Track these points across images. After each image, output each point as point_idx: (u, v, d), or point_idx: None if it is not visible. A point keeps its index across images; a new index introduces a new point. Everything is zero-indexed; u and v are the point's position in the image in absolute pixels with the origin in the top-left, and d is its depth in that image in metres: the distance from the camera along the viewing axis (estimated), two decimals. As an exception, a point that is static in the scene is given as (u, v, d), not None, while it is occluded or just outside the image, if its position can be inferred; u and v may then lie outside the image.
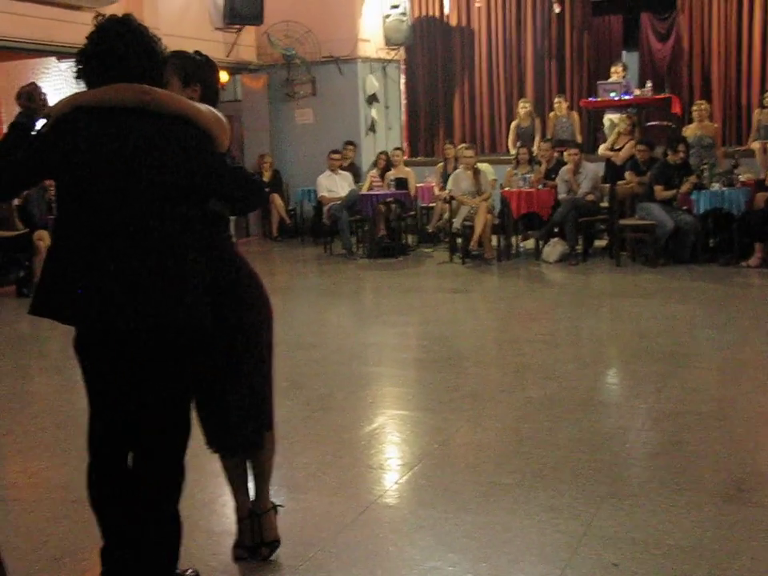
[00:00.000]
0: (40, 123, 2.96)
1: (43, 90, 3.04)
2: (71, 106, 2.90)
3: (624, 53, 16.97)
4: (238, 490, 3.50)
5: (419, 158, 15.59)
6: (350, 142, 14.21)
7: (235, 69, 15.01)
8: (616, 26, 16.94)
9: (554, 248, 11.06)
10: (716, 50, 14.06)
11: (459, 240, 11.57)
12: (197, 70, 3.25)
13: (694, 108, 11.93)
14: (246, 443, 3.35)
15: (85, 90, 2.98)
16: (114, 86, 2.89)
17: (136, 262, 2.83)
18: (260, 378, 3.31)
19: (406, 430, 5.10)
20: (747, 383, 5.81)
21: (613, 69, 14.15)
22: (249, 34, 14.79)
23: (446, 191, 11.66)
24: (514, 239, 11.69)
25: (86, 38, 2.97)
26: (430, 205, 13.17)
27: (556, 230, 11.28)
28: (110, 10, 11.61)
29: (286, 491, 4.14)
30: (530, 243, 11.83)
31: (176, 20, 13.26)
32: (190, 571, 3.31)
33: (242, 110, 15.49)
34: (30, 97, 2.98)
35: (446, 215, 11.79)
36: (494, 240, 11.39)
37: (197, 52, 3.36)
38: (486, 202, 11.22)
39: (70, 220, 2.92)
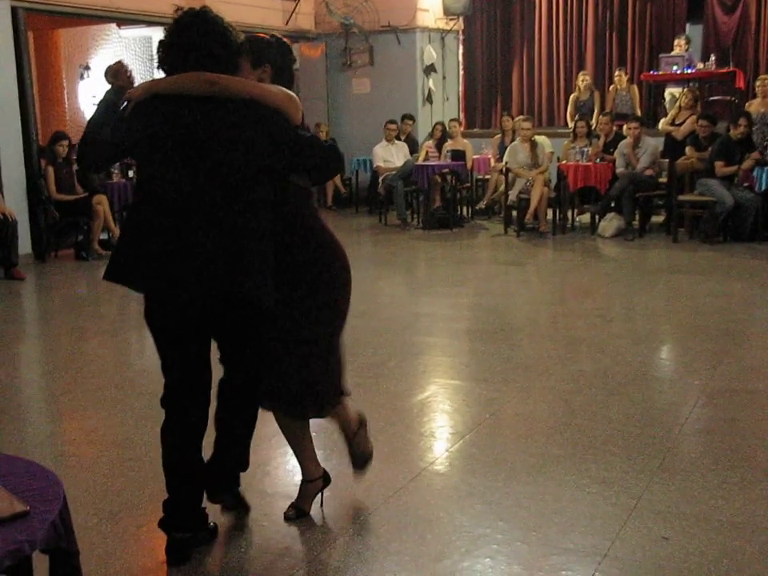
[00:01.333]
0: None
1: (129, 67, 3.24)
2: (149, 92, 3.11)
3: (688, 25, 16.62)
4: (305, 452, 3.59)
5: (476, 129, 15.49)
6: (408, 116, 14.10)
7: (293, 37, 14.99)
8: (680, -2, 16.63)
9: (610, 223, 10.95)
10: (784, 23, 13.75)
11: (514, 213, 11.51)
12: (266, 52, 3.33)
13: (758, 83, 11.69)
14: (316, 400, 3.45)
15: (162, 76, 3.21)
16: (186, 74, 3.08)
17: (203, 240, 3.03)
18: (331, 348, 3.43)
19: (457, 399, 5.12)
20: (805, 363, 5.74)
21: (676, 41, 13.90)
22: (307, 2, 14.77)
23: (503, 163, 11.59)
24: (569, 213, 11.60)
25: (166, 29, 3.18)
26: (486, 177, 13.11)
27: (613, 204, 11.16)
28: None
29: (337, 456, 4.18)
30: (585, 217, 11.72)
31: (235, -13, 13.30)
32: (211, 524, 3.45)
33: (299, 79, 15.50)
34: (116, 74, 3.19)
35: (502, 187, 11.72)
36: (550, 213, 11.31)
37: (272, 35, 3.44)
38: (543, 174, 11.14)
39: (146, 196, 3.15)
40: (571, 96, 13.95)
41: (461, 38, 15.65)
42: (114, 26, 12.66)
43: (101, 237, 10.51)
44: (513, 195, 11.29)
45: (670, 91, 13.75)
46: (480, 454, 4.20)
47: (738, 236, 10.25)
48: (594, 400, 4.93)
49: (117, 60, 3.25)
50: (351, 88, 15.17)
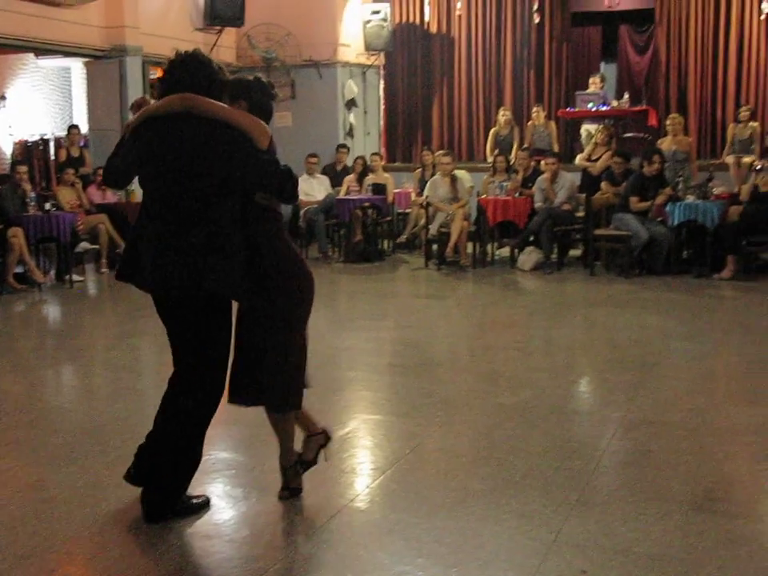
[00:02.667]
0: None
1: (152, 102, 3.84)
2: (143, 116, 3.66)
3: (602, 64, 17.07)
4: (282, 438, 4.04)
5: (397, 163, 15.61)
6: (342, 145, 14.16)
7: (214, 70, 14.96)
8: (595, 38, 17.04)
9: (529, 256, 11.11)
10: (692, 65, 14.21)
11: (435, 246, 11.60)
12: (242, 90, 3.84)
13: (668, 122, 12.04)
14: (276, 401, 3.94)
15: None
16: (168, 96, 3.63)
17: (186, 242, 3.57)
18: (293, 348, 3.90)
19: (378, 434, 5.11)
20: (717, 394, 5.87)
21: (591, 80, 14.27)
22: (229, 35, 14.76)
23: (423, 197, 11.69)
24: (489, 247, 11.74)
25: (163, 68, 3.80)
26: (407, 211, 13.20)
27: (531, 238, 11.34)
28: (90, 9, 11.55)
29: (257, 494, 4.14)
30: (505, 251, 11.88)
31: (156, 20, 13.24)
32: (203, 499, 3.94)
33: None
34: (141, 107, 3.79)
35: (423, 221, 11.82)
36: (470, 247, 11.43)
37: (255, 76, 3.97)
38: (463, 208, 11.27)
39: (145, 206, 3.72)
40: (491, 131, 14.15)
41: (382, 73, 15.81)
42: (31, 55, 12.49)
43: (16, 270, 10.26)
44: (433, 229, 11.39)
45: (586, 127, 14.06)
46: (401, 490, 4.19)
47: (652, 269, 10.50)
48: (514, 434, 4.96)
49: (141, 95, 3.87)
50: (273, 121, 15.05)
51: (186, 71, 3.67)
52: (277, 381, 3.88)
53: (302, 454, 4.12)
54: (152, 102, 3.77)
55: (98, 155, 12.46)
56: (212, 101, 3.62)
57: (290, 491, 4.04)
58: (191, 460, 3.85)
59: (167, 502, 3.80)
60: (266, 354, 3.84)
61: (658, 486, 4.19)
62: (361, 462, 4.64)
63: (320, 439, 4.16)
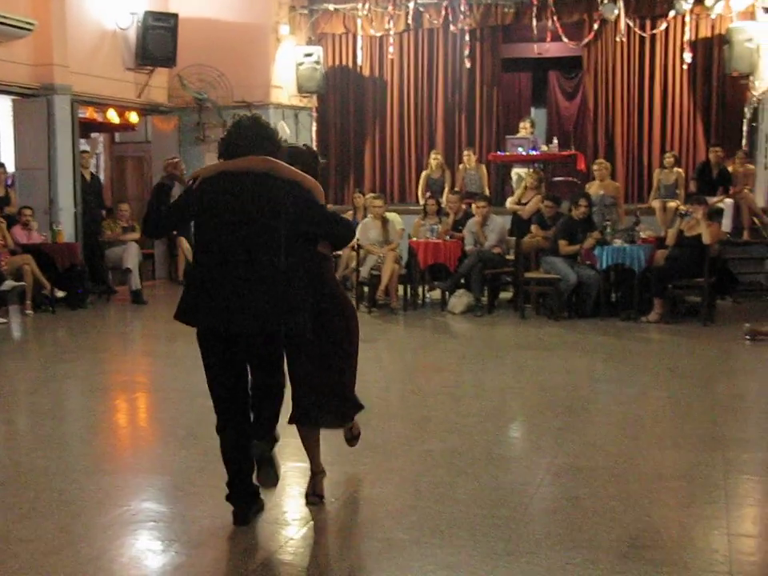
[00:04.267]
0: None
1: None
2: (216, 171, 4.17)
3: (533, 109, 17.38)
4: (316, 452, 4.65)
5: (329, 205, 15.49)
6: None
7: (146, 110, 14.86)
8: (525, 83, 17.36)
9: (459, 299, 11.14)
10: (619, 111, 14.48)
11: (366, 289, 11.57)
12: (298, 156, 4.49)
13: (595, 167, 12.25)
14: (335, 418, 4.69)
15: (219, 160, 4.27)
16: (248, 157, 4.12)
17: (256, 284, 4.00)
18: (348, 370, 4.65)
19: (303, 483, 4.98)
20: (644, 438, 5.89)
21: (521, 124, 14.46)
22: (161, 75, 14.69)
23: (355, 240, 11.66)
24: (420, 289, 11.75)
25: (226, 128, 4.31)
26: (338, 253, 13.13)
27: (462, 281, 11.38)
28: (18, 46, 11.34)
29: (178, 546, 4.02)
30: (436, 294, 11.89)
31: (86, 58, 13.11)
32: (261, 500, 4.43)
33: (151, 152, 15.34)
34: (176, 166, 4.64)
35: (354, 264, 11.79)
36: (401, 290, 11.42)
37: (305, 145, 4.85)
38: (394, 251, 11.27)
39: (205, 251, 4.12)
40: (423, 174, 14.23)
41: (314, 114, 15.82)
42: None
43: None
44: (364, 272, 11.37)
45: (517, 171, 14.24)
46: (325, 541, 4.10)
47: (581, 312, 10.59)
48: (442, 481, 4.91)
49: (174, 155, 4.29)
50: (204, 162, 15.03)
51: (258, 136, 4.17)
52: (341, 399, 4.63)
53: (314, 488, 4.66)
54: (183, 165, 4.73)
55: (24, 195, 12.24)
56: (287, 165, 4.18)
57: (319, 497, 4.57)
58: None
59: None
60: (331, 378, 4.53)
61: (585, 533, 4.16)
62: (284, 512, 4.53)
63: (323, 477, 4.73)
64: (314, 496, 4.57)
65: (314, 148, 4.71)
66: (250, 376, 4.25)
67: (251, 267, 3.99)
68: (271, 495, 4.70)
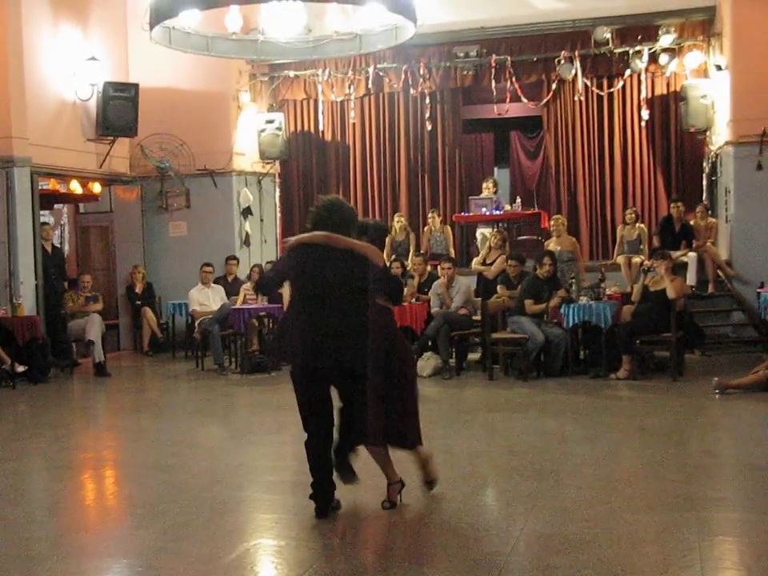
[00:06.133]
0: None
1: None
2: (298, 241, 5.39)
3: (495, 169, 17.48)
4: (387, 466, 5.56)
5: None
6: (232, 257, 14.02)
7: (108, 180, 14.77)
8: (487, 143, 17.47)
9: (427, 362, 11.03)
10: (581, 168, 14.60)
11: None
12: (364, 229, 5.59)
13: (552, 223, 12.31)
14: (400, 437, 5.58)
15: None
16: (316, 233, 5.32)
17: (331, 329, 5.22)
18: (408, 397, 5.61)
19: (266, 561, 4.83)
20: (616, 500, 5.75)
21: (484, 185, 14.54)
22: (122, 145, 14.62)
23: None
24: (388, 353, 11.60)
25: (314, 207, 5.49)
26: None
27: (429, 343, 11.28)
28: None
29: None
30: (404, 357, 11.74)
31: (46, 130, 13.03)
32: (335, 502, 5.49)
33: (113, 221, 15.24)
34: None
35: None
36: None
37: (374, 220, 6.37)
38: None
39: (296, 302, 5.40)
40: (386, 237, 14.16)
41: (277, 180, 15.82)
42: None
43: None
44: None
45: (481, 231, 14.27)
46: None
47: (550, 371, 10.52)
48: (408, 553, 4.77)
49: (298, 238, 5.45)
50: (168, 231, 14.98)
51: (335, 214, 5.35)
52: (407, 424, 5.57)
53: (388, 495, 5.59)
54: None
55: (-17, 267, 12.07)
56: (345, 237, 5.29)
57: (391, 504, 5.51)
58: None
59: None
60: (396, 405, 5.45)
61: (557, 606, 4.02)
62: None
63: (397, 487, 5.61)
64: (386, 501, 5.53)
65: (383, 223, 6.48)
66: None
67: (325, 315, 5.22)
68: (234, 574, 4.53)
